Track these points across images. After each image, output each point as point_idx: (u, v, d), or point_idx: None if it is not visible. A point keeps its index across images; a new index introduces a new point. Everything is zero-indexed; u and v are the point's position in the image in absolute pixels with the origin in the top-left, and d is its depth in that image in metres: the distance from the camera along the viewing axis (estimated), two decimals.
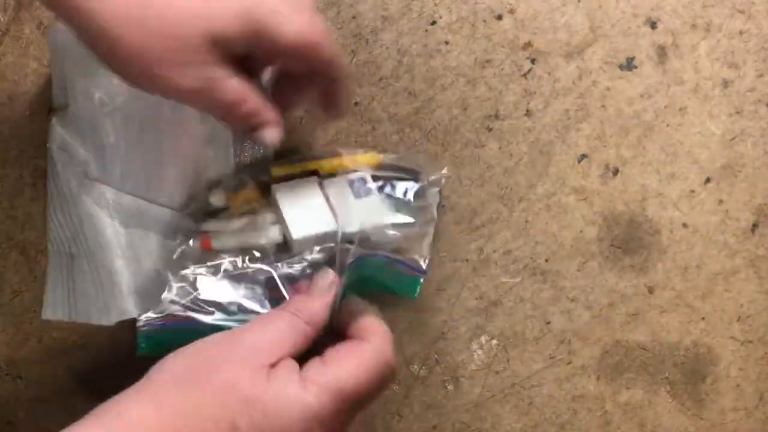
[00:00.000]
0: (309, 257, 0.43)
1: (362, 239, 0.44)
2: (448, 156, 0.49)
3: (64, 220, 0.46)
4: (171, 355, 0.37)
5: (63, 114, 0.45)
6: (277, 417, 0.34)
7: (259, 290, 0.44)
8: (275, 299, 0.43)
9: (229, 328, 0.41)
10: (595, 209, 0.50)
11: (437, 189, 0.48)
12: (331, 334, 0.40)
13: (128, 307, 0.44)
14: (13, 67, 0.49)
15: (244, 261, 0.44)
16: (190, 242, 0.45)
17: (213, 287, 0.44)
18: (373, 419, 0.51)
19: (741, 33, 0.49)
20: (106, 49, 0.35)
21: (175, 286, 0.43)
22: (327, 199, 0.45)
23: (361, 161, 0.46)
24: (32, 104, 0.49)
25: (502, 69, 0.49)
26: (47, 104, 0.48)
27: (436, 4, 0.49)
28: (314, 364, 0.36)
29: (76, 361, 0.50)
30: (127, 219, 0.45)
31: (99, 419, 0.34)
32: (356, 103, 0.49)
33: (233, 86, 0.37)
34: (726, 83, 0.49)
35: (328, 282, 0.40)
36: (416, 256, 0.47)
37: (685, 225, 0.50)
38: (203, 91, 0.36)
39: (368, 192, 0.46)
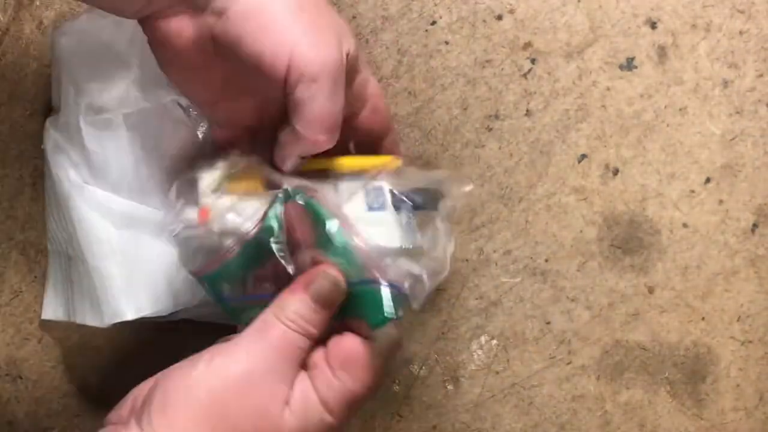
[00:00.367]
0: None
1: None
2: (448, 156, 0.49)
3: (60, 221, 0.46)
4: (181, 397, 0.35)
5: (57, 117, 0.45)
6: None
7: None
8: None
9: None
10: (595, 209, 0.50)
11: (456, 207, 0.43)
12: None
13: (122, 310, 0.44)
14: (13, 67, 0.49)
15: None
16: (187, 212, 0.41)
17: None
18: (373, 419, 0.51)
19: (741, 33, 0.49)
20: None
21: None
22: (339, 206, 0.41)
23: (377, 163, 0.42)
24: (32, 104, 0.49)
25: (502, 69, 0.49)
26: (47, 104, 0.48)
27: (436, 4, 0.49)
28: (324, 374, 0.36)
29: (76, 361, 0.50)
30: (119, 221, 0.44)
31: None
32: None
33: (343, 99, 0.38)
34: (726, 83, 0.49)
35: (332, 284, 0.37)
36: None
37: (685, 225, 0.50)
38: (341, 72, 0.37)
39: (382, 206, 0.41)
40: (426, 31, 0.49)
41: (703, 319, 0.50)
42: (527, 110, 0.49)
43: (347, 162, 0.42)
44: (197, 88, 0.40)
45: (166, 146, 0.45)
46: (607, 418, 0.50)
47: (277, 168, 0.41)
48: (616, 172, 0.49)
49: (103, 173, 0.44)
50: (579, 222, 0.50)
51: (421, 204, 0.41)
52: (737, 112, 0.49)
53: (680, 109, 0.49)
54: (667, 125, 0.49)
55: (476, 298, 0.50)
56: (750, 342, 0.50)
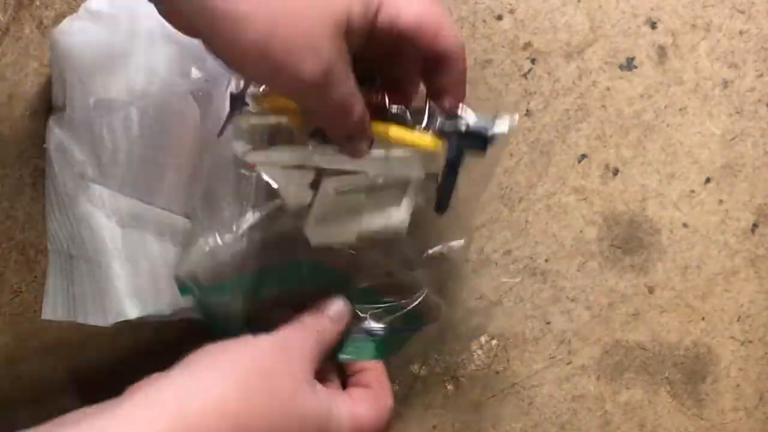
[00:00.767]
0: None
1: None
2: None
3: (62, 221, 0.46)
4: (216, 349, 0.38)
5: (61, 115, 0.45)
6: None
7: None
8: None
9: None
10: (595, 209, 0.50)
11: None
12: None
13: (125, 309, 0.44)
14: (13, 67, 0.49)
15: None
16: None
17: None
18: None
19: (741, 33, 0.49)
20: (230, 36, 0.32)
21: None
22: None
23: (416, 140, 0.39)
24: (32, 104, 0.49)
25: (502, 69, 0.49)
26: (47, 104, 0.48)
27: None
28: (340, 395, 0.41)
29: (76, 361, 0.50)
30: (124, 220, 0.45)
31: (161, 407, 0.34)
32: None
33: (350, 87, 0.35)
34: (726, 83, 0.49)
35: (340, 311, 0.43)
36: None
37: (685, 225, 0.50)
38: (322, 87, 0.33)
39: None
40: None
41: (703, 319, 0.50)
42: (527, 110, 0.49)
43: (393, 132, 0.39)
44: None
45: (175, 141, 0.45)
46: (607, 418, 0.50)
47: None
48: (616, 172, 0.49)
49: (111, 171, 0.45)
50: (579, 222, 0.50)
51: (469, 145, 0.39)
52: (737, 112, 0.49)
53: (680, 109, 0.49)
54: (667, 125, 0.49)
55: (476, 298, 0.50)
56: (750, 342, 0.50)
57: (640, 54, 0.49)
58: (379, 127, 0.38)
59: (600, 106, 0.49)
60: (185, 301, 0.46)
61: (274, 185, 0.40)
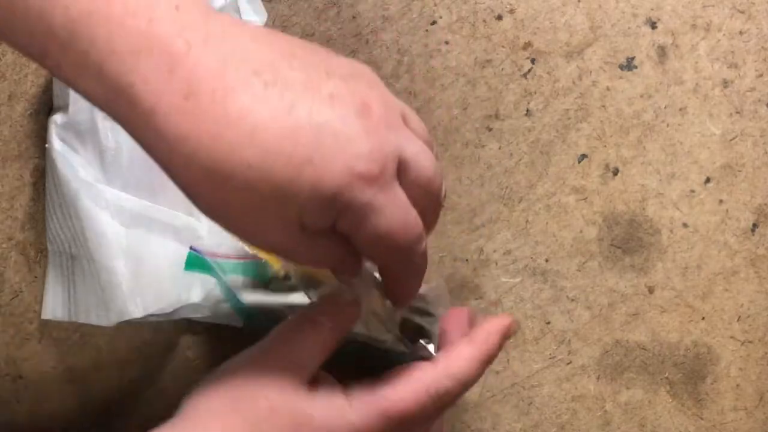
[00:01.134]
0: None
1: None
2: (448, 156, 0.49)
3: (64, 221, 0.46)
4: (201, 387, 0.34)
5: (63, 115, 0.45)
6: None
7: None
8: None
9: None
10: (595, 209, 0.50)
11: None
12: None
13: (129, 308, 0.44)
14: (13, 67, 0.49)
15: None
16: None
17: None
18: None
19: (741, 33, 0.49)
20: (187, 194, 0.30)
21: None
22: None
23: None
24: (32, 104, 0.49)
25: (502, 69, 0.49)
26: (47, 104, 0.48)
27: (436, 4, 0.49)
28: (365, 381, 0.34)
29: (76, 361, 0.50)
30: (128, 220, 0.45)
31: None
32: None
33: (309, 258, 0.31)
34: (726, 83, 0.49)
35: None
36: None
37: (685, 225, 0.50)
38: (287, 251, 0.31)
39: None
40: (426, 31, 0.49)
41: (703, 319, 0.50)
42: (527, 110, 0.49)
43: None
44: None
45: None
46: (607, 418, 0.50)
47: None
48: (616, 172, 0.49)
49: (114, 170, 0.45)
50: (579, 222, 0.50)
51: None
52: (737, 112, 0.49)
53: (680, 109, 0.49)
54: (667, 125, 0.49)
55: (476, 298, 0.50)
56: (750, 342, 0.50)
57: (640, 54, 0.49)
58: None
59: (600, 106, 0.49)
60: (186, 299, 0.46)
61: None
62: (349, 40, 0.48)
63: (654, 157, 0.49)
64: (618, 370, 0.50)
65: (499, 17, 0.49)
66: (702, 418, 0.50)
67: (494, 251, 0.50)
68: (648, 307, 0.50)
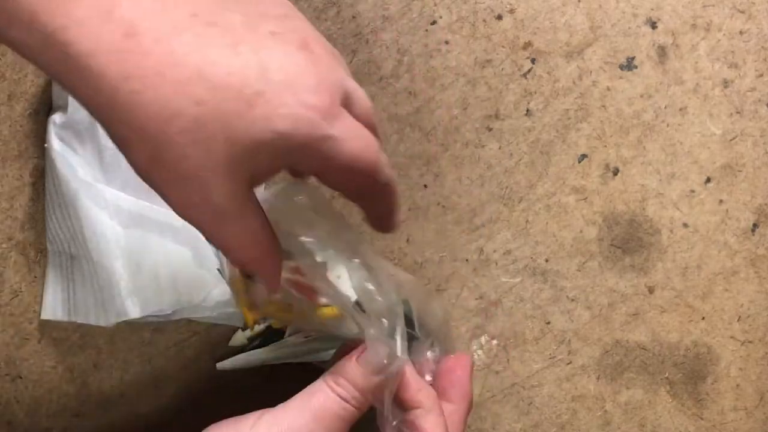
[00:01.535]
0: None
1: None
2: (448, 156, 0.49)
3: (63, 221, 0.46)
4: None
5: (62, 115, 0.45)
6: None
7: None
8: None
9: None
10: (595, 209, 0.50)
11: None
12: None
13: (127, 309, 0.44)
14: (13, 67, 0.48)
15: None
16: None
17: None
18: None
19: (741, 33, 0.49)
20: (121, 149, 0.28)
21: None
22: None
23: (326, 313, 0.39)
24: (32, 104, 0.49)
25: (502, 69, 0.49)
26: (47, 104, 0.48)
27: (436, 4, 0.49)
28: None
29: (76, 361, 0.50)
30: (127, 220, 0.45)
31: None
32: None
33: (243, 230, 0.29)
34: (726, 83, 0.49)
35: (383, 359, 0.35)
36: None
37: (685, 225, 0.50)
38: (207, 224, 0.29)
39: None
40: (426, 30, 0.49)
41: (703, 319, 0.50)
42: (527, 110, 0.49)
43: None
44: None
45: None
46: (607, 418, 0.50)
47: None
48: (616, 172, 0.49)
49: (113, 170, 0.45)
50: (579, 222, 0.50)
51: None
52: (737, 112, 0.49)
53: (680, 109, 0.49)
54: (667, 125, 0.49)
55: (476, 298, 0.50)
56: (750, 342, 0.50)
57: (640, 54, 0.49)
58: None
59: (600, 106, 0.49)
60: (186, 300, 0.46)
61: None
62: (349, 39, 0.48)
63: (654, 157, 0.49)
64: (618, 370, 0.50)
65: (499, 17, 0.49)
66: (702, 418, 0.50)
67: (494, 251, 0.50)
68: (648, 307, 0.50)
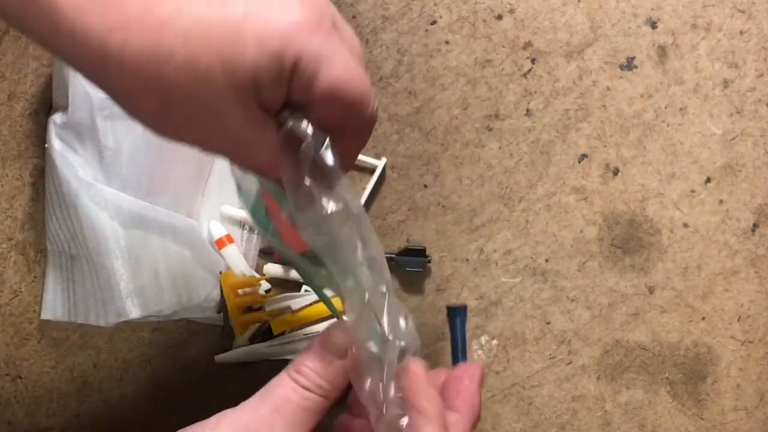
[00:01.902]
0: None
1: None
2: (448, 156, 0.49)
3: (63, 221, 0.46)
4: None
5: (62, 115, 0.45)
6: None
7: None
8: None
9: None
10: (595, 209, 0.50)
11: None
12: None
13: (127, 309, 0.44)
14: (13, 67, 0.49)
15: None
16: None
17: None
18: None
19: (741, 33, 0.49)
20: (124, 106, 0.28)
21: None
22: None
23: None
24: (32, 104, 0.49)
25: (502, 69, 0.49)
26: (47, 104, 0.48)
27: (436, 4, 0.49)
28: None
29: (76, 361, 0.50)
30: (127, 220, 0.45)
31: None
32: None
33: (268, 148, 0.29)
34: (726, 83, 0.49)
35: (342, 342, 0.34)
36: None
37: (685, 225, 0.50)
38: (230, 153, 0.29)
39: None
40: (426, 30, 0.49)
41: (703, 319, 0.50)
42: (527, 110, 0.49)
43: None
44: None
45: (179, 147, 0.45)
46: (607, 418, 0.50)
47: None
48: (616, 172, 0.49)
49: (113, 170, 0.45)
50: (579, 222, 0.50)
51: None
52: (737, 112, 0.49)
53: (680, 109, 0.49)
54: (668, 125, 0.49)
55: (476, 298, 0.50)
56: (750, 342, 0.50)
57: (641, 54, 0.49)
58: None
59: (600, 105, 0.49)
60: (185, 300, 0.46)
61: None
62: None
63: (654, 157, 0.49)
64: (618, 370, 0.50)
65: (499, 17, 0.49)
66: (702, 418, 0.50)
67: (494, 251, 0.50)
68: (648, 307, 0.50)
